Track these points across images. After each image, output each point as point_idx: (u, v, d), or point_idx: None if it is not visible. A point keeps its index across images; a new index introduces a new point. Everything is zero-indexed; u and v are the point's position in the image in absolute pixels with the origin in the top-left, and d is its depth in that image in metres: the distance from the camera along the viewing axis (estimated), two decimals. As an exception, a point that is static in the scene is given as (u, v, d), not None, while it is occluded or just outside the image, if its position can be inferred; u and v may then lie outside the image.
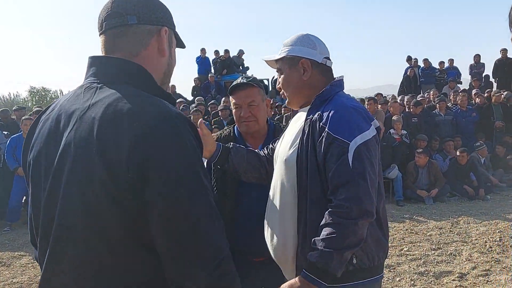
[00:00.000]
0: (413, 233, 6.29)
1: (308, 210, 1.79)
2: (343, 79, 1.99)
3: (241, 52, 16.52)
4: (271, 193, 2.02)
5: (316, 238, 1.70)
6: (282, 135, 2.11)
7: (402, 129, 8.97)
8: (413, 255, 5.35)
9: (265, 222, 2.03)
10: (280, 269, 2.00)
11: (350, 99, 1.90)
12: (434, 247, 5.61)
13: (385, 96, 12.45)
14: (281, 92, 2.03)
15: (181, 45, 1.47)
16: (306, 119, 1.86)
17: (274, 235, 1.94)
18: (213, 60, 16.02)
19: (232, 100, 2.53)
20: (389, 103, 10.26)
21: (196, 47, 17.16)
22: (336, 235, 1.65)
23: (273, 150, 2.18)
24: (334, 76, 1.99)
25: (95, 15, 1.40)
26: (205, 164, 2.49)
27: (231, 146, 2.16)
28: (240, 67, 16.37)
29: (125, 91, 1.18)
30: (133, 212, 1.08)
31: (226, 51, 15.92)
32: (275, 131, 2.58)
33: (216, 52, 16.18)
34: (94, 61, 1.29)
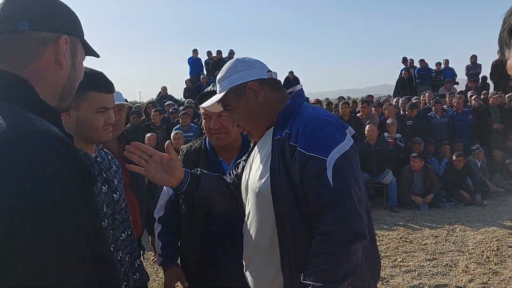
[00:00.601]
0: (407, 241, 6.07)
1: (291, 243, 1.56)
2: (302, 88, 1.81)
3: (232, 52, 16.14)
4: (246, 229, 1.78)
5: (305, 272, 1.47)
6: (248, 161, 1.87)
7: (396, 132, 8.76)
8: (407, 266, 5.14)
9: (244, 262, 1.81)
10: None
11: (317, 109, 1.71)
12: (429, 257, 5.39)
13: (377, 99, 12.25)
14: (240, 131, 1.83)
15: (93, 53, 1.32)
16: (273, 141, 1.64)
17: (257, 277, 1.72)
18: (205, 61, 15.82)
19: (201, 110, 2.30)
20: (383, 106, 10.02)
21: (188, 47, 16.93)
22: (327, 266, 1.44)
23: (238, 177, 1.94)
24: (290, 87, 1.81)
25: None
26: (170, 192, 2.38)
27: (198, 172, 1.92)
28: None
29: None
30: None
31: (219, 52, 15.70)
32: (249, 144, 2.34)
33: (209, 53, 15.97)
34: None
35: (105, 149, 2.13)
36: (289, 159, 1.56)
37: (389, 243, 6.00)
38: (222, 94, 1.73)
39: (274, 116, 1.69)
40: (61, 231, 0.93)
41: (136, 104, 14.04)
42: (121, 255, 1.96)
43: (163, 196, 2.46)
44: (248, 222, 1.75)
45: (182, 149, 2.50)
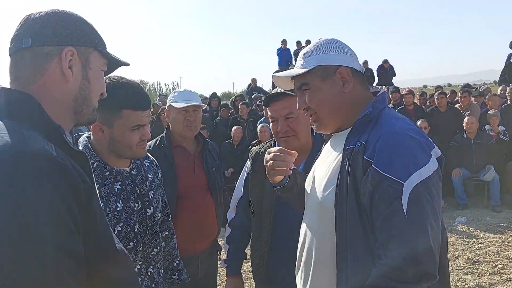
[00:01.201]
0: (510, 246, 5.52)
1: (350, 267, 1.40)
2: (385, 92, 1.60)
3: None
4: (302, 238, 1.65)
5: None
6: (316, 161, 1.74)
7: (499, 125, 7.98)
8: (508, 273, 4.68)
9: (298, 274, 1.68)
10: None
11: (401, 120, 1.47)
12: (535, 266, 4.85)
13: (476, 88, 11.28)
14: (306, 114, 1.62)
15: (117, 63, 1.30)
16: (345, 150, 1.47)
17: None
18: (294, 52, 15.72)
19: (268, 113, 2.24)
20: (486, 96, 9.19)
21: (277, 38, 16.91)
22: None
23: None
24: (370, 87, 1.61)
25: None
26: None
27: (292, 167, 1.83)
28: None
29: None
30: None
31: (308, 42, 15.50)
32: (321, 145, 2.22)
33: (298, 42, 15.86)
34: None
35: (142, 157, 2.03)
36: (360, 175, 1.38)
37: (488, 247, 5.51)
38: (306, 69, 1.53)
39: (353, 115, 1.51)
40: (43, 255, 0.91)
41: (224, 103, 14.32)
42: (151, 270, 1.93)
43: (234, 198, 2.46)
44: (305, 231, 1.62)
45: (251, 151, 2.47)
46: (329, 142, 1.67)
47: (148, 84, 42.85)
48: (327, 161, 1.58)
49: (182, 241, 2.52)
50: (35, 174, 0.94)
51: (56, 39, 1.14)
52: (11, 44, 1.16)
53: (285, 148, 2.16)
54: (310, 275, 1.58)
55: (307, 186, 1.69)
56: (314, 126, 1.63)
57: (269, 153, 1.69)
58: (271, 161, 1.67)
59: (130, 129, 1.77)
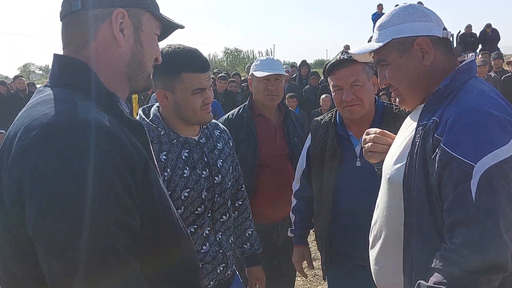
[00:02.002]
0: None
1: (414, 246, 1.36)
2: (474, 60, 1.44)
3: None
4: (375, 212, 1.62)
5: (422, 282, 1.26)
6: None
7: None
8: None
9: (370, 245, 1.65)
10: None
11: (483, 95, 1.31)
12: None
13: None
14: (391, 90, 1.54)
15: (172, 26, 1.24)
16: (417, 126, 1.38)
17: (379, 271, 1.58)
18: (372, 16, 14.89)
19: (331, 81, 2.18)
20: None
21: (373, 2, 16.12)
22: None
23: None
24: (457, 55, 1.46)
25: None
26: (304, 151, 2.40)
27: None
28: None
29: (46, 96, 1.02)
30: (24, 245, 0.94)
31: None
32: (384, 115, 2.15)
33: (379, 5, 14.99)
34: (53, 59, 1.12)
35: (212, 124, 2.07)
36: (430, 153, 1.29)
37: None
38: (381, 44, 1.44)
39: (434, 86, 1.40)
40: (96, 226, 0.88)
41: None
42: (220, 236, 1.96)
43: (298, 169, 2.46)
44: (378, 204, 1.59)
45: (312, 122, 2.43)
46: (408, 117, 1.58)
47: (242, 52, 43.48)
48: (402, 136, 1.52)
49: (263, 209, 2.57)
50: (87, 145, 0.91)
51: (106, 1, 1.08)
52: (62, 7, 1.11)
53: (348, 118, 2.12)
54: (378, 249, 1.56)
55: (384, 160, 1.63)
56: (397, 101, 1.56)
57: (367, 134, 1.66)
58: (370, 143, 1.63)
59: (192, 93, 1.79)
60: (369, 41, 1.60)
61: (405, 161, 1.39)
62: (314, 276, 4.15)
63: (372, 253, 1.61)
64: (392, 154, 1.52)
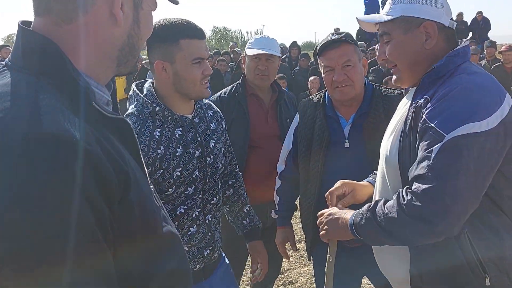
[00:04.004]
0: None
1: None
2: (468, 45, 1.50)
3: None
4: (375, 191, 1.66)
5: (374, 205, 1.43)
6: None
7: None
8: None
9: None
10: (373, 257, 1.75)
11: (477, 74, 1.39)
12: None
13: None
14: (389, 66, 1.58)
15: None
16: (410, 105, 1.45)
17: (382, 249, 1.62)
18: (382, 1, 14.81)
19: (321, 62, 2.17)
20: None
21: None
22: (392, 217, 1.34)
23: None
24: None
25: None
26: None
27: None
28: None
29: (1, 87, 0.80)
30: None
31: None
32: (373, 98, 2.15)
33: None
34: (17, 31, 0.90)
35: (205, 105, 2.04)
36: (419, 128, 1.36)
37: None
38: (390, 17, 1.48)
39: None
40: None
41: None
42: (209, 218, 1.94)
43: (284, 150, 2.44)
44: (377, 184, 1.63)
45: (300, 103, 2.42)
46: (405, 96, 1.63)
47: (230, 31, 43.11)
48: (397, 116, 1.57)
49: (252, 189, 2.54)
50: (48, 166, 0.72)
51: None
52: None
53: (339, 99, 2.12)
54: None
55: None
56: (393, 78, 1.60)
57: (320, 216, 1.74)
58: (325, 227, 1.69)
59: (192, 62, 1.75)
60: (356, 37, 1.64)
61: (399, 141, 1.45)
62: (299, 258, 4.17)
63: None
64: (388, 134, 1.57)
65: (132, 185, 0.85)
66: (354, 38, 2.20)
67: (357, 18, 1.64)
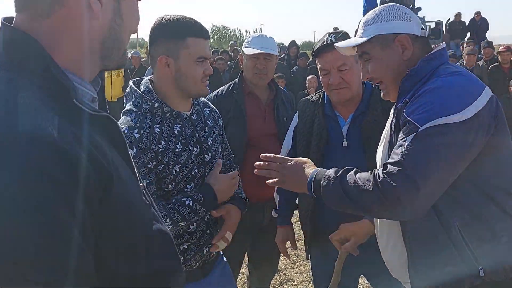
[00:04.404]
0: None
1: (411, 225, 1.51)
2: (444, 48, 1.60)
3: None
4: None
5: (350, 172, 1.48)
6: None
7: None
8: None
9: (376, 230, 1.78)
10: (374, 253, 1.79)
11: (454, 74, 1.48)
12: None
13: None
14: (374, 83, 1.71)
15: None
16: (394, 109, 1.56)
17: (385, 246, 1.69)
18: (381, 0, 14.80)
19: (318, 64, 2.18)
20: None
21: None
22: (365, 189, 1.39)
23: None
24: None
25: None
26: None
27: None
28: (411, 7, 14.82)
29: None
30: None
31: (397, -10, 14.53)
32: (371, 97, 2.16)
33: None
34: None
35: (202, 102, 2.05)
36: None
37: None
38: (365, 38, 1.59)
39: None
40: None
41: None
42: (208, 216, 1.94)
43: (283, 149, 2.45)
44: None
45: (299, 103, 2.43)
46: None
47: (229, 30, 43.07)
48: (389, 122, 1.65)
49: (249, 188, 2.55)
50: (21, 167, 0.70)
51: None
52: None
53: (336, 100, 2.19)
54: (382, 229, 1.67)
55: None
56: (382, 94, 1.69)
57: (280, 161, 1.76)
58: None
59: (196, 60, 1.77)
60: (355, 35, 1.75)
61: (388, 145, 1.55)
62: (297, 257, 4.17)
63: (380, 238, 1.72)
64: (382, 139, 1.67)
65: (116, 183, 0.84)
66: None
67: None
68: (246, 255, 2.96)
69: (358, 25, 1.73)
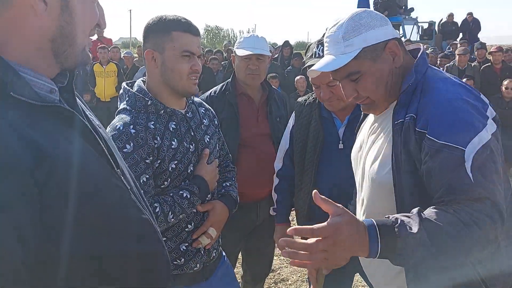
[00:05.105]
0: None
1: None
2: (424, 51, 1.50)
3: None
4: (361, 207, 1.63)
5: (418, 212, 1.20)
6: (361, 135, 1.68)
7: None
8: None
9: None
10: None
11: (450, 83, 1.39)
12: None
13: None
14: (357, 102, 1.54)
15: None
16: (394, 126, 1.40)
17: (377, 274, 1.60)
18: (374, 0, 14.87)
19: (309, 77, 2.15)
20: None
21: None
22: (457, 227, 1.15)
23: None
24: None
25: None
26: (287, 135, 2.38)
27: None
28: (403, 8, 14.91)
29: None
30: None
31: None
32: None
33: None
34: None
35: (197, 102, 2.05)
36: (415, 148, 1.32)
37: None
38: (353, 55, 1.39)
39: (400, 86, 1.44)
40: None
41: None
42: (207, 215, 1.95)
43: (281, 149, 2.48)
44: (363, 209, 1.58)
45: (296, 103, 2.45)
46: (372, 115, 1.59)
47: (223, 30, 43.01)
48: (378, 137, 1.52)
49: (242, 187, 2.56)
50: None
51: None
52: None
53: (330, 110, 2.19)
54: None
55: (358, 159, 1.65)
56: (363, 108, 1.55)
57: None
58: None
59: (181, 54, 1.76)
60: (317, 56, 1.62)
61: (390, 165, 1.40)
62: (290, 256, 4.18)
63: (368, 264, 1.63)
64: (373, 156, 1.50)
65: (61, 168, 0.87)
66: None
67: (309, 71, 1.60)
68: (240, 254, 2.97)
69: (323, 40, 1.50)
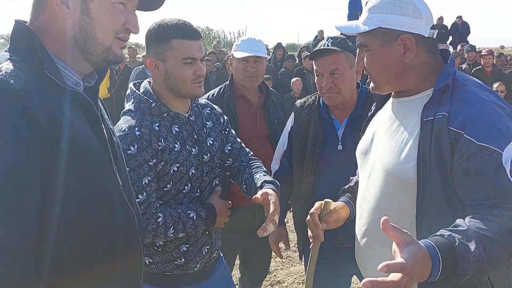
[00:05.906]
0: None
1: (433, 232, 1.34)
2: (450, 51, 1.51)
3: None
4: (367, 213, 1.58)
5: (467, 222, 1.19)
6: (371, 128, 1.66)
7: None
8: None
9: (359, 240, 1.65)
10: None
11: (478, 85, 1.41)
12: None
13: None
14: (367, 74, 1.54)
15: None
16: (424, 123, 1.38)
17: (372, 251, 1.57)
18: (366, 3, 14.93)
19: (313, 66, 2.24)
20: None
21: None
22: (500, 238, 1.15)
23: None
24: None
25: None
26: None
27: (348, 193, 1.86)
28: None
29: None
30: None
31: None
32: (367, 101, 2.20)
33: None
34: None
35: (202, 104, 2.03)
36: (447, 147, 1.31)
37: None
38: (366, 29, 1.42)
39: (418, 82, 1.44)
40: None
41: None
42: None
43: (278, 150, 2.47)
44: (375, 205, 1.53)
45: (295, 104, 2.45)
46: (390, 107, 1.57)
47: (213, 31, 43.05)
48: (398, 130, 1.48)
49: (240, 191, 2.56)
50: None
51: None
52: None
53: (328, 103, 2.21)
54: (375, 246, 1.53)
55: (366, 154, 1.62)
56: (371, 85, 1.57)
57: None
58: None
59: (182, 61, 1.76)
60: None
61: (415, 160, 1.37)
62: (287, 258, 4.18)
63: (366, 250, 1.60)
64: (394, 150, 1.46)
65: (66, 136, 1.04)
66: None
67: (336, 27, 1.59)
68: (237, 257, 2.97)
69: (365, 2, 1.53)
